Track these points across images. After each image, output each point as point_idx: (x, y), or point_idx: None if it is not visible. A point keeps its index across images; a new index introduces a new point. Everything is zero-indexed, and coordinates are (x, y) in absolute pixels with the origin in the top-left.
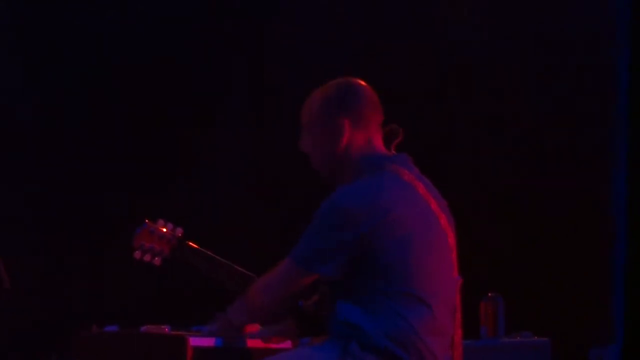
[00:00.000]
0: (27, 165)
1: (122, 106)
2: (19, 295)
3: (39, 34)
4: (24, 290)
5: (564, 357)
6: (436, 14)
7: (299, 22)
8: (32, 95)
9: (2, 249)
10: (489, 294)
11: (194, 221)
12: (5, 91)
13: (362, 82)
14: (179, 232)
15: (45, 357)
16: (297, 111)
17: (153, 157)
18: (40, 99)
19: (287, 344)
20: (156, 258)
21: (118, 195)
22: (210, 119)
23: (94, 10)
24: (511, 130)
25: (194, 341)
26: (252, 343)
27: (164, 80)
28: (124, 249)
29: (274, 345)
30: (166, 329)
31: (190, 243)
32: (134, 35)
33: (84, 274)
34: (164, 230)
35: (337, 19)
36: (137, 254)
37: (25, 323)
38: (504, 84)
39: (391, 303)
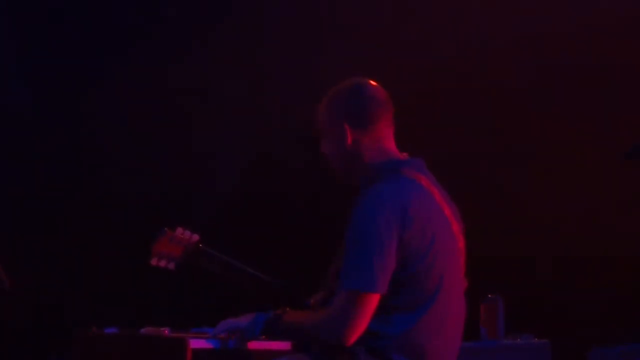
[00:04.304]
0: (27, 164)
1: (119, 105)
2: (19, 296)
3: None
4: (24, 290)
5: (564, 359)
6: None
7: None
8: (31, 94)
9: (2, 249)
10: (489, 296)
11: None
12: (5, 88)
13: (367, 82)
14: (196, 238)
15: (44, 358)
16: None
17: (154, 157)
18: (41, 97)
19: (287, 345)
20: (171, 263)
21: (118, 195)
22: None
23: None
24: (515, 131)
25: (194, 343)
26: (252, 345)
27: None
28: (125, 251)
29: (274, 348)
30: (166, 331)
31: (207, 248)
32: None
33: (84, 275)
34: (182, 237)
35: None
36: (153, 261)
37: (25, 324)
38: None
39: (406, 312)
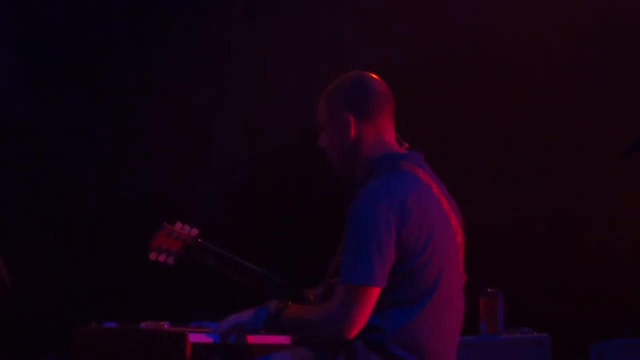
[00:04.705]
0: (27, 164)
1: (121, 108)
2: (19, 292)
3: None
4: (23, 286)
5: (564, 353)
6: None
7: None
8: (33, 93)
9: (2, 248)
10: (489, 290)
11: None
12: (5, 89)
13: (369, 75)
14: (195, 232)
15: (44, 353)
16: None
17: (153, 153)
18: (41, 97)
19: (287, 339)
20: (170, 258)
21: (117, 193)
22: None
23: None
24: (514, 128)
25: (194, 337)
26: (252, 339)
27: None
28: (122, 245)
29: (274, 342)
30: (165, 325)
31: (206, 243)
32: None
33: (83, 270)
34: (181, 231)
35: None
36: (152, 255)
37: (24, 319)
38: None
39: (405, 306)
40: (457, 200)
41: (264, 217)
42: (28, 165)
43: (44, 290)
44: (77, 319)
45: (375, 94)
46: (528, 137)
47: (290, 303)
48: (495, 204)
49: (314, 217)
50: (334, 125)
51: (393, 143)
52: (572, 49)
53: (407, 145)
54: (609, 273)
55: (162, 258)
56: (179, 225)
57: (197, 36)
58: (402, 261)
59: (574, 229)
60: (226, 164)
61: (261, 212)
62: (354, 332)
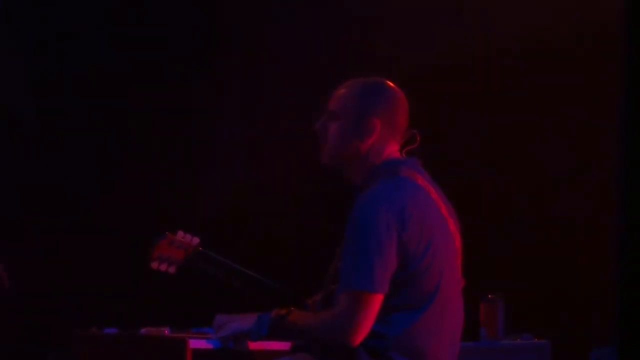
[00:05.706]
0: (27, 165)
1: (120, 107)
2: (18, 296)
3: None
4: (23, 290)
5: None
6: None
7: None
8: (34, 93)
9: (2, 248)
10: (489, 296)
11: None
12: (6, 89)
13: (402, 92)
14: (196, 241)
15: (44, 358)
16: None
17: (153, 158)
18: (42, 97)
19: (287, 345)
20: (172, 267)
21: (119, 196)
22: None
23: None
24: (510, 128)
25: (194, 343)
26: (253, 345)
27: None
28: (124, 250)
29: (274, 348)
30: (166, 331)
31: (207, 251)
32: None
33: (83, 275)
34: (183, 240)
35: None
36: (154, 265)
37: (24, 324)
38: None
39: (406, 312)
40: (456, 203)
41: (264, 223)
42: (29, 167)
43: (44, 294)
44: (78, 324)
45: (405, 114)
46: (532, 140)
47: (293, 309)
48: (495, 207)
49: (313, 222)
50: (355, 123)
51: (396, 152)
52: None
53: (406, 149)
54: (610, 279)
55: (163, 267)
56: (180, 234)
57: (197, 39)
58: (403, 266)
59: (575, 235)
60: (226, 171)
61: (260, 218)
62: (359, 339)
